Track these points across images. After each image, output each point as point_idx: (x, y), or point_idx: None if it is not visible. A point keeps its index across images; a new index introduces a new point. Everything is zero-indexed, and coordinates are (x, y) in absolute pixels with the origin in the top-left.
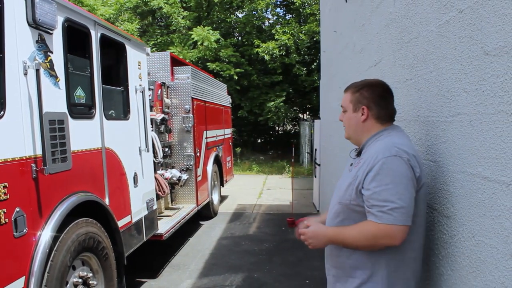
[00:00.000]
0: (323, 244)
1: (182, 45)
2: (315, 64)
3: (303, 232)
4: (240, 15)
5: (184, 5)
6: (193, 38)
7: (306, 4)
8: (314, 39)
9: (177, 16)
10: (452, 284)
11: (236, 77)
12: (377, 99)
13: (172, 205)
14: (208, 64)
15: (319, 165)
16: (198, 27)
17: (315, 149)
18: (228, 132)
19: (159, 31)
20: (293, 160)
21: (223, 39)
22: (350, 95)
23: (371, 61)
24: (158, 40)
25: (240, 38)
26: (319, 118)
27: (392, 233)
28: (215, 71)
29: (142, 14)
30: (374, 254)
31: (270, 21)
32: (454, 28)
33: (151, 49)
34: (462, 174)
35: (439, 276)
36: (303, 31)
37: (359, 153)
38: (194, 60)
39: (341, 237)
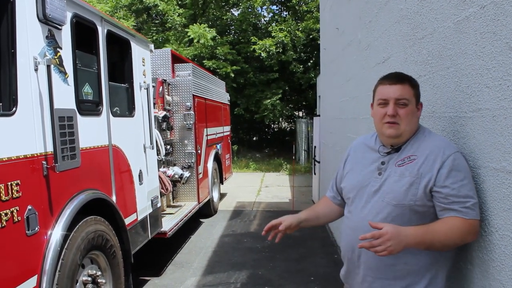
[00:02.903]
0: (403, 246)
1: (178, 42)
2: (311, 61)
3: (380, 234)
4: (235, 13)
5: (179, 2)
6: (189, 36)
7: (303, 2)
8: (311, 36)
9: (173, 13)
10: (472, 278)
11: (232, 75)
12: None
13: (173, 202)
14: (204, 61)
15: (318, 162)
16: (194, 24)
17: (314, 147)
18: (227, 129)
19: (154, 28)
20: (294, 158)
21: (219, 37)
22: (412, 89)
23: (378, 57)
24: (154, 38)
25: (236, 36)
26: (316, 115)
27: (477, 229)
28: (211, 68)
29: (137, 11)
30: (435, 256)
31: (265, 19)
32: (475, 24)
33: None
34: (484, 169)
35: (457, 271)
36: (300, 29)
37: (396, 150)
38: (190, 58)
39: (430, 236)
